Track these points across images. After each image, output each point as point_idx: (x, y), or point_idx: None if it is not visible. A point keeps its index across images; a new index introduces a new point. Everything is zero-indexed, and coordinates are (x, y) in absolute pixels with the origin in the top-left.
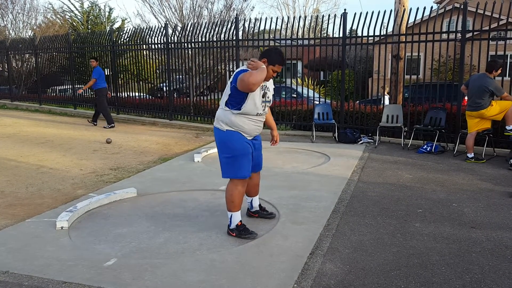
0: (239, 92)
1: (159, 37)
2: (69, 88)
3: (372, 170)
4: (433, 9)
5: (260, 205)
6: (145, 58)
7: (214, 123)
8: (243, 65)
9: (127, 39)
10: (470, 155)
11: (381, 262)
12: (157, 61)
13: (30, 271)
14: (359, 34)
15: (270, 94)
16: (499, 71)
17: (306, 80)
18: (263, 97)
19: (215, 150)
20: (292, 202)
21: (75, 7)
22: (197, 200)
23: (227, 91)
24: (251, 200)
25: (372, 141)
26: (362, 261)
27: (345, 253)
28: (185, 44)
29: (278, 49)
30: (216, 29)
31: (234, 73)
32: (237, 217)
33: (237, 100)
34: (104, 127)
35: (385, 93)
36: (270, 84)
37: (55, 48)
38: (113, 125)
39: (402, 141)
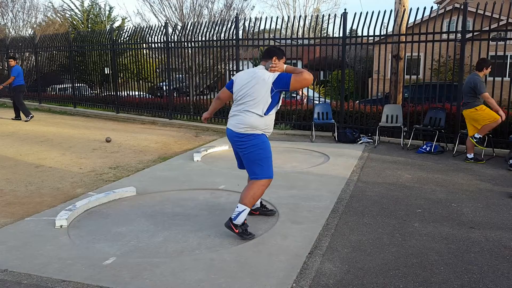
0: (277, 97)
1: (159, 36)
2: (69, 87)
3: (371, 170)
4: (433, 9)
5: (261, 202)
6: (145, 57)
7: (242, 131)
8: (243, 64)
9: (127, 38)
10: (470, 155)
11: (380, 261)
12: (157, 60)
13: (29, 270)
14: (359, 34)
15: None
16: (489, 70)
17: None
18: None
19: (215, 149)
20: (292, 201)
21: (75, 5)
22: (196, 199)
23: (266, 99)
24: None
25: (371, 141)
26: (361, 260)
27: (344, 253)
28: (185, 43)
29: (276, 46)
30: (216, 28)
31: (269, 80)
32: (246, 214)
33: (273, 104)
34: (26, 120)
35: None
36: None
37: (55, 47)
38: (31, 115)
39: (402, 141)
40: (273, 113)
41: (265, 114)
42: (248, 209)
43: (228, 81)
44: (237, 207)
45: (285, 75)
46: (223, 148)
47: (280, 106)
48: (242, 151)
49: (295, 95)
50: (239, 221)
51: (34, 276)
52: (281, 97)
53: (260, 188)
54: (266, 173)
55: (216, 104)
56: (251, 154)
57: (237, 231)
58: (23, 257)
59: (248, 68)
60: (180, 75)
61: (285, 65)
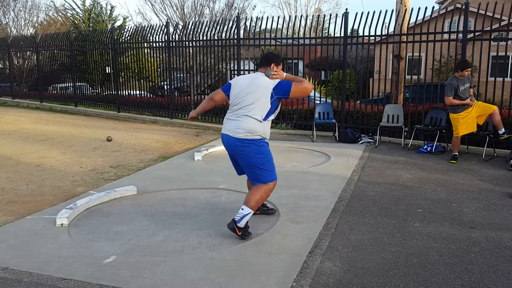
0: (276, 103)
1: (161, 35)
2: (70, 86)
3: (372, 169)
4: (434, 9)
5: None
6: (146, 56)
7: (241, 136)
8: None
9: (129, 37)
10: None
11: (380, 261)
12: (158, 59)
13: (29, 268)
14: (361, 33)
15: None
16: (465, 72)
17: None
18: None
19: (216, 148)
20: (292, 201)
21: (76, 5)
22: (197, 199)
23: (265, 105)
24: None
25: (372, 141)
26: (361, 260)
27: (344, 252)
28: (186, 43)
29: (273, 53)
30: (218, 27)
31: (270, 87)
32: (249, 218)
33: (272, 110)
34: None
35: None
36: None
37: (56, 46)
38: None
39: (403, 141)
40: (270, 119)
41: (263, 120)
42: (252, 213)
43: (228, 80)
44: (242, 209)
45: (286, 83)
46: (224, 147)
47: (281, 106)
48: (243, 157)
49: None
50: (242, 224)
51: (34, 274)
52: (280, 105)
53: (267, 192)
54: (270, 176)
55: (208, 105)
56: (253, 160)
57: (240, 233)
58: (23, 255)
59: (249, 67)
60: (181, 75)
61: (284, 73)
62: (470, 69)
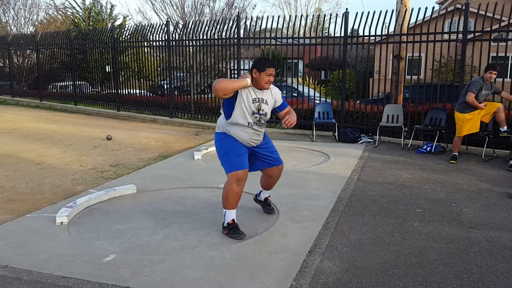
0: (229, 100)
1: (161, 34)
2: (70, 84)
3: (371, 169)
4: (434, 9)
5: (266, 199)
6: (146, 55)
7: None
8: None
9: (129, 36)
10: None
11: (379, 260)
12: (158, 58)
13: (29, 266)
14: (361, 33)
15: (266, 107)
16: (489, 74)
17: (307, 79)
18: (258, 110)
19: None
20: (292, 200)
21: (77, 3)
22: (196, 198)
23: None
24: (261, 191)
25: (372, 140)
26: (360, 259)
27: (343, 252)
28: (186, 42)
29: (262, 57)
30: (218, 27)
31: None
32: (230, 215)
33: (229, 107)
34: None
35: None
36: (268, 96)
37: (56, 45)
38: None
39: (402, 141)
40: (234, 122)
41: (223, 114)
42: (228, 211)
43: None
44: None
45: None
46: None
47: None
48: None
49: (296, 95)
50: (225, 223)
51: (34, 272)
52: (236, 106)
53: (229, 186)
54: (227, 169)
55: None
56: (217, 151)
57: (225, 232)
58: (23, 254)
59: (249, 67)
60: (181, 74)
61: (246, 79)
62: (495, 73)
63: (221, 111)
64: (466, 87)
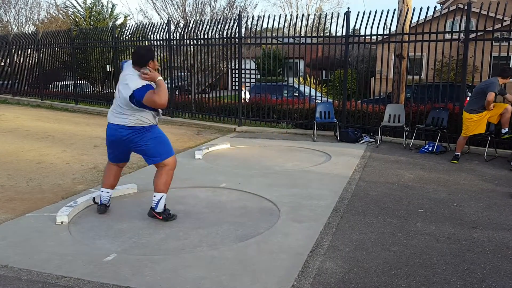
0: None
1: (161, 33)
2: (71, 84)
3: (373, 169)
4: (436, 9)
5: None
6: None
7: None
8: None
9: (129, 35)
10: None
11: (381, 261)
12: (159, 58)
13: (29, 265)
14: (362, 33)
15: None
16: (505, 79)
17: (308, 79)
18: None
19: (216, 147)
20: (293, 200)
21: (78, 3)
22: (197, 197)
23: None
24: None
25: (373, 140)
26: (362, 259)
27: (345, 252)
28: (187, 41)
29: (143, 47)
30: (219, 26)
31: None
32: (164, 200)
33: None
34: None
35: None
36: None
37: (57, 44)
38: None
39: (404, 140)
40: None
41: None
42: (164, 195)
43: (229, 79)
44: (154, 196)
45: (146, 88)
46: (225, 146)
47: (282, 105)
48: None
49: (297, 94)
50: (160, 208)
51: (34, 272)
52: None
53: (170, 171)
54: (169, 155)
55: None
56: None
57: (160, 217)
58: (23, 253)
59: (250, 66)
60: (182, 73)
61: (159, 78)
62: (510, 78)
63: (135, 105)
64: (484, 88)
